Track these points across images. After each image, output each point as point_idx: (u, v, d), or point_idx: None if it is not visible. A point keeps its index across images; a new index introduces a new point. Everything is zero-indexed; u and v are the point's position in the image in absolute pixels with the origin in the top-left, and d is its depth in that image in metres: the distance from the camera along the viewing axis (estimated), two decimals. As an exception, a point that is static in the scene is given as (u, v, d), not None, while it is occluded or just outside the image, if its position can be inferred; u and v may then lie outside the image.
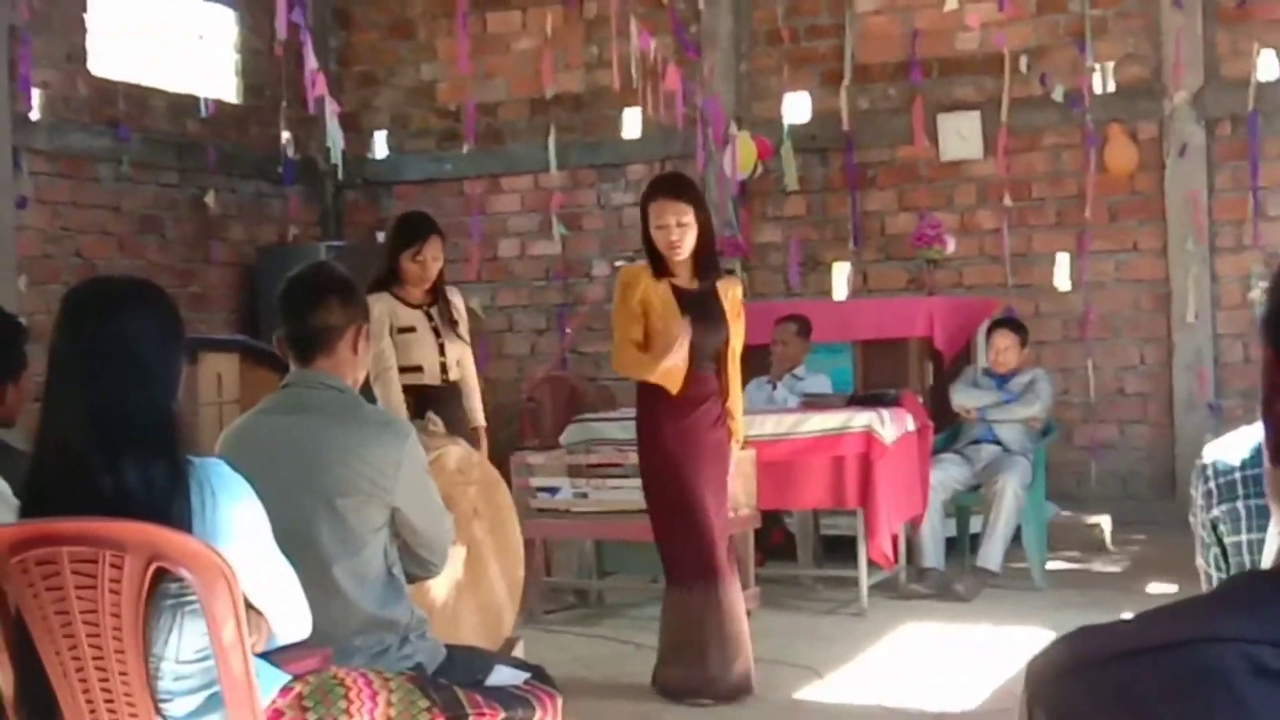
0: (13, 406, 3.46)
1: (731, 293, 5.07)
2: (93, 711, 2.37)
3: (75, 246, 8.69)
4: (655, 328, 4.90)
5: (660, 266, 4.94)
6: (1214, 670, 0.87)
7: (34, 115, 8.34)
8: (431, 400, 5.56)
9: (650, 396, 4.96)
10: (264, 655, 2.55)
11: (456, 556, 3.51)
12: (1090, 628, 0.95)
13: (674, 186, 5.06)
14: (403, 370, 5.57)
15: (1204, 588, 1.87)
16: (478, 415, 5.83)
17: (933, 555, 6.96)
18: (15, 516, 2.49)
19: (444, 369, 5.67)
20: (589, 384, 9.55)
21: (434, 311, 5.68)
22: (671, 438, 4.94)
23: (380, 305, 5.46)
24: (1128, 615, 0.97)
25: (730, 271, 6.62)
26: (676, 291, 4.92)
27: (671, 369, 4.88)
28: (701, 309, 4.91)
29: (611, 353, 5.16)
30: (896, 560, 6.75)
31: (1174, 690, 0.87)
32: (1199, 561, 2.03)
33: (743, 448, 5.60)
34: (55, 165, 8.57)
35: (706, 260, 4.96)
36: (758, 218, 9.56)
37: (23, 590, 2.36)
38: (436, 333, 5.65)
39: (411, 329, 5.61)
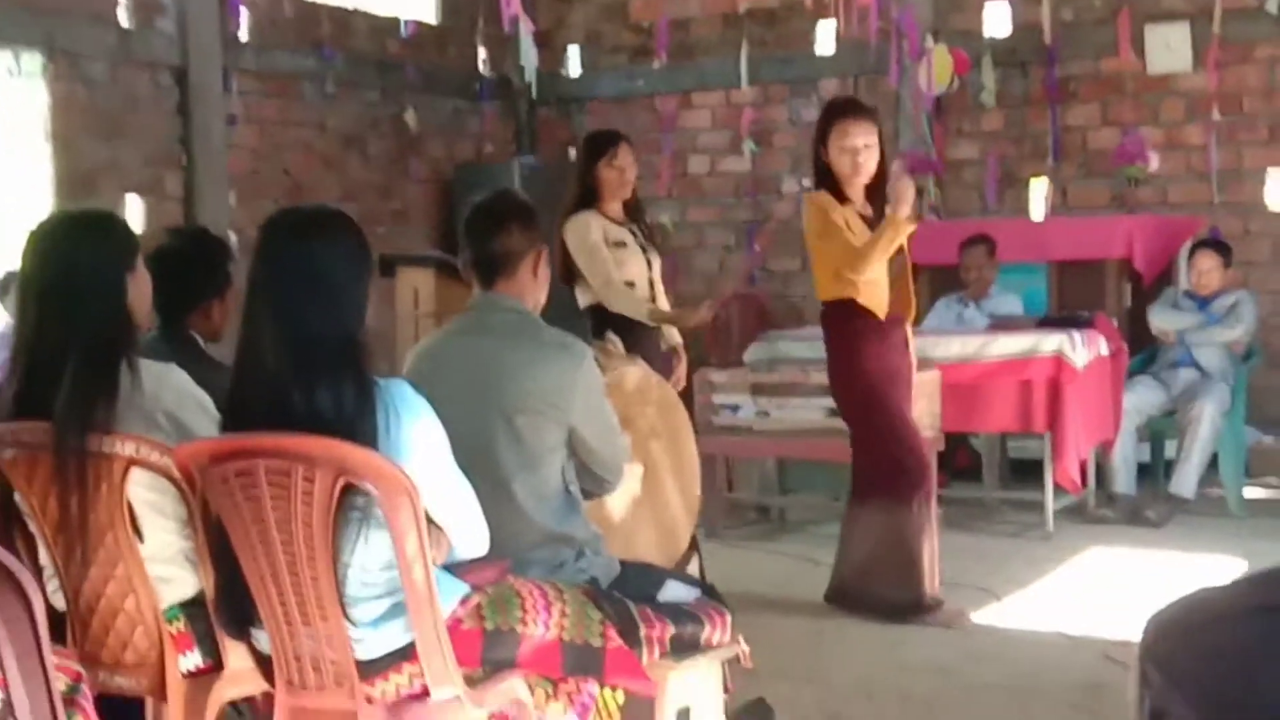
0: (219, 322, 3.70)
1: None
2: (286, 614, 2.53)
3: (282, 164, 9.01)
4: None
5: (839, 195, 4.91)
6: None
7: (243, 37, 8.64)
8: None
9: (848, 317, 4.90)
10: (445, 567, 2.69)
11: (634, 474, 3.59)
12: (1204, 589, 0.99)
13: (859, 106, 5.02)
14: None
15: None
16: (673, 334, 5.69)
17: (1124, 481, 6.84)
18: (216, 429, 2.66)
19: (652, 285, 5.58)
20: (777, 300, 9.55)
21: (637, 229, 5.62)
22: (874, 361, 4.91)
23: (590, 220, 5.42)
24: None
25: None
26: (863, 220, 4.91)
27: (878, 288, 4.83)
28: None
29: (843, 263, 4.85)
30: (1085, 485, 6.65)
31: (1269, 649, 0.89)
32: None
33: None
34: (263, 85, 8.88)
35: (883, 186, 4.88)
36: (952, 134, 9.36)
37: (223, 500, 2.53)
38: (644, 249, 5.58)
39: (623, 244, 5.50)
